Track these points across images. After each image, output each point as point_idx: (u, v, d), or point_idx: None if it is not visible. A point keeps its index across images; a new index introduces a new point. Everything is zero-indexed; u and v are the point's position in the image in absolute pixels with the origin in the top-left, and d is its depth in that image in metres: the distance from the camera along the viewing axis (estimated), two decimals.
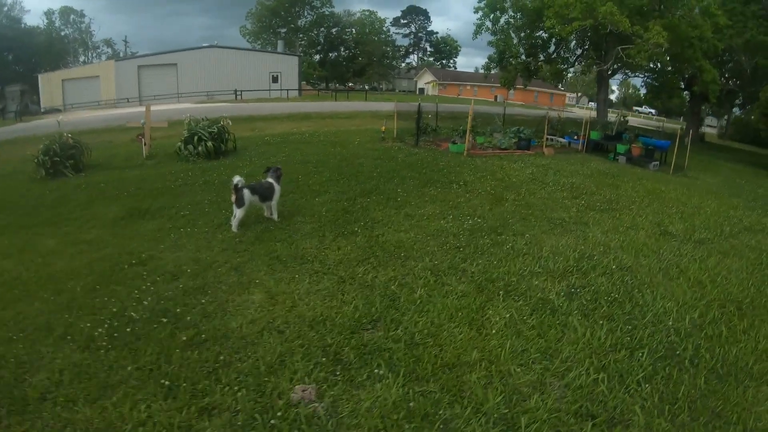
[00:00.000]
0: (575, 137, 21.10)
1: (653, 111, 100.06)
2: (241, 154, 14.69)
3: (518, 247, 7.18)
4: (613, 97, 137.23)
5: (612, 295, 5.81)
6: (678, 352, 4.69)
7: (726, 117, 63.38)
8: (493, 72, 29.28)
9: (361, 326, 4.87)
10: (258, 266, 6.29)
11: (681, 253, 7.70)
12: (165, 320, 4.97)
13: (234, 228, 7.70)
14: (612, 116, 25.97)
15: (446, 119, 25.77)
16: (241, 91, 45.83)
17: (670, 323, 5.21)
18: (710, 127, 75.78)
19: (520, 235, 7.75)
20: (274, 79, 53.61)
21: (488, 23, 23.20)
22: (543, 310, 5.31)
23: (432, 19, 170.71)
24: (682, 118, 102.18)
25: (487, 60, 27.38)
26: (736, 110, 54.10)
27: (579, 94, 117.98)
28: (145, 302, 5.36)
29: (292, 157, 13.66)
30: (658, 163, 18.12)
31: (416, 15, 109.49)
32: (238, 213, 7.71)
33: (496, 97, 79.56)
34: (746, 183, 18.01)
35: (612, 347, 4.68)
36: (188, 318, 5.01)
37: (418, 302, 5.36)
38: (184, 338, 4.62)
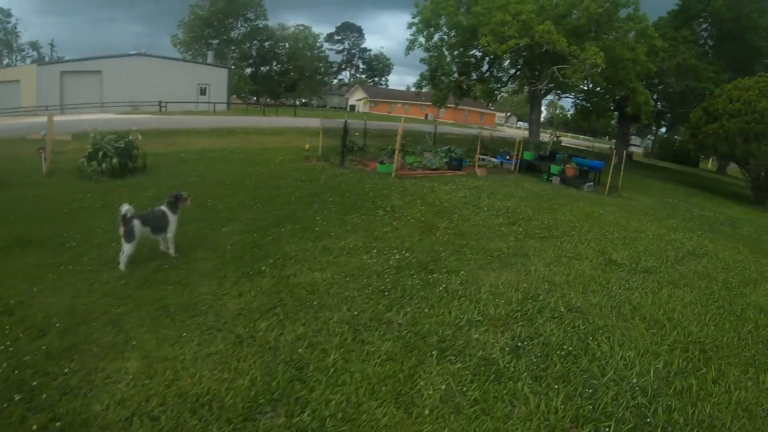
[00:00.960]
0: (507, 157, 20.67)
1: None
2: (152, 172, 13.26)
3: (453, 288, 6.24)
4: (541, 117, 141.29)
5: (565, 347, 5.01)
6: (648, 419, 4.00)
7: (651, 137, 65.43)
8: (424, 90, 28.58)
9: (258, 408, 3.77)
10: (141, 319, 5.02)
11: (631, 285, 7.20)
12: (18, 397, 3.75)
13: (122, 266, 6.35)
14: (544, 136, 25.79)
15: (376, 137, 24.98)
16: (166, 102, 43.76)
17: (635, 380, 4.52)
18: (634, 146, 78.57)
19: (455, 273, 6.81)
20: (203, 92, 51.74)
21: (421, 39, 22.55)
22: (486, 375, 4.39)
23: (366, 36, 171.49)
24: (607, 137, 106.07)
25: (418, 77, 26.63)
26: (660, 130, 56.06)
27: (508, 114, 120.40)
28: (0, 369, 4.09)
29: (206, 177, 12.38)
30: (592, 183, 17.85)
31: (350, 31, 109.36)
32: (126, 248, 6.33)
33: (426, 116, 79.85)
34: (679, 202, 18.18)
35: (573, 421, 3.88)
36: (44, 395, 3.78)
37: (332, 371, 4.29)
38: (35, 427, 3.45)
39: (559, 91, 29.22)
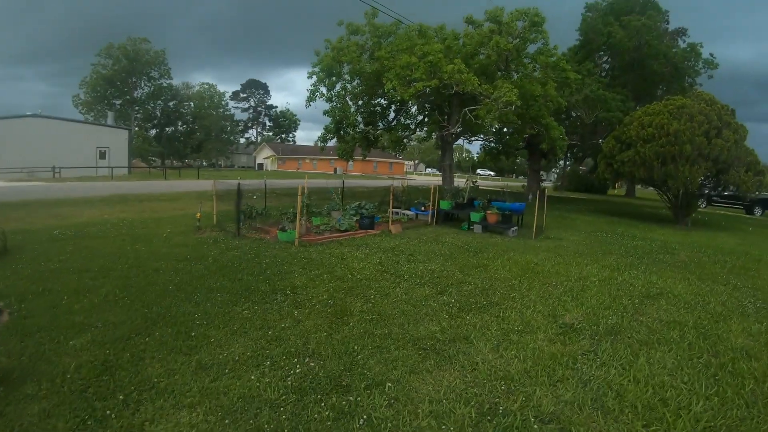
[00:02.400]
0: (423, 208, 19.41)
1: (491, 172, 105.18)
2: (11, 256, 10.86)
3: (379, 417, 4.47)
4: (453, 162, 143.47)
5: None
6: None
7: (555, 170, 67.19)
8: (330, 144, 27.14)
9: None
10: None
11: (602, 360, 5.96)
12: None
13: None
14: (459, 181, 24.80)
15: (282, 197, 23.27)
16: (60, 168, 40.50)
17: None
18: (542, 182, 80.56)
19: (378, 387, 5.02)
20: (102, 155, 48.76)
21: (323, 89, 21.10)
22: None
23: (272, 93, 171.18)
24: (514, 175, 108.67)
25: (323, 131, 25.07)
26: (568, 163, 57.56)
27: (417, 162, 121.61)
28: None
29: (72, 262, 10.15)
30: (516, 228, 16.79)
31: (255, 89, 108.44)
32: None
33: (335, 170, 79.48)
34: (607, 235, 17.75)
35: None
36: None
37: None
38: None
39: (468, 134, 28.47)
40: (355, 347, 6.03)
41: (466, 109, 19.52)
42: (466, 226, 17.14)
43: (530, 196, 30.50)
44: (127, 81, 78.16)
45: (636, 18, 35.73)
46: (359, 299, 7.99)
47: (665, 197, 24.10)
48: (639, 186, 52.76)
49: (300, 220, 12.18)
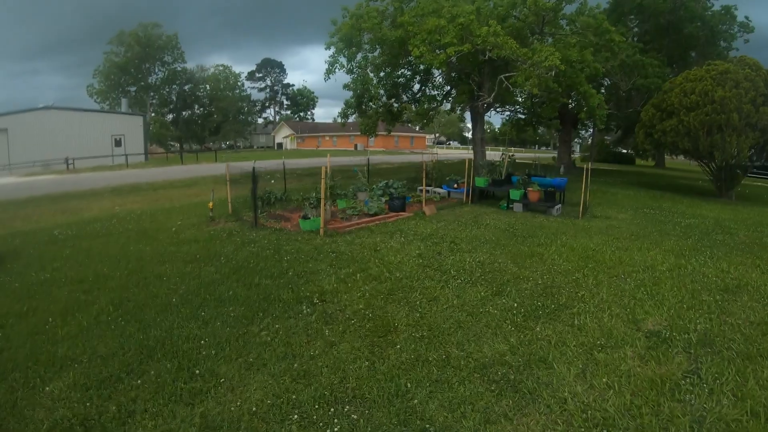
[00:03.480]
0: (455, 185, 17.83)
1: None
2: (3, 265, 9.57)
3: None
4: (468, 134, 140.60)
5: None
6: None
7: (578, 140, 64.89)
8: (351, 119, 25.40)
9: None
10: None
11: (708, 386, 4.61)
12: None
13: None
14: (491, 154, 23.15)
15: (303, 177, 21.88)
16: (74, 159, 39.42)
17: None
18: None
19: None
20: (117, 143, 47.56)
21: (342, 60, 19.35)
22: None
23: (288, 72, 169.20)
24: (536, 146, 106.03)
25: (343, 107, 23.31)
26: (593, 133, 55.52)
27: (437, 135, 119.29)
28: None
29: (67, 269, 8.80)
30: (560, 205, 15.22)
31: (271, 68, 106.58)
32: None
33: (356, 146, 77.85)
34: (655, 212, 16.08)
35: None
36: None
37: None
38: None
39: (497, 105, 26.63)
40: (407, 384, 4.55)
41: (502, 76, 17.62)
42: (505, 204, 15.57)
43: (562, 169, 28.76)
44: (140, 67, 76.83)
45: None
46: (402, 307, 6.50)
47: (707, 169, 22.51)
48: (673, 157, 50.66)
49: (323, 206, 10.67)
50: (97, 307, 6.69)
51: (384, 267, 8.24)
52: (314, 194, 12.26)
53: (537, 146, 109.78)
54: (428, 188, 16.44)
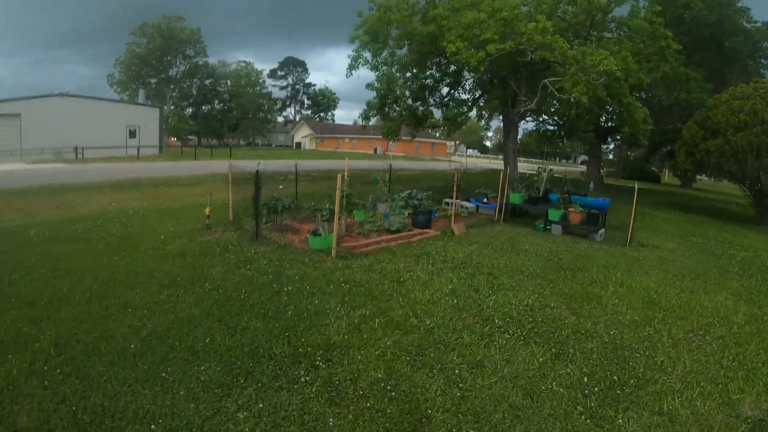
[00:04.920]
0: (485, 200, 16.04)
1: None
2: None
3: None
4: (489, 143, 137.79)
5: None
6: None
7: (611, 155, 62.83)
8: (372, 122, 23.55)
9: None
10: None
11: None
12: None
13: None
14: (524, 166, 21.33)
15: (319, 180, 20.21)
16: (83, 148, 38.20)
17: None
18: (583, 165, 75.90)
19: None
20: (132, 134, 46.45)
21: (367, 55, 17.59)
22: None
23: (311, 72, 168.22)
24: (557, 159, 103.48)
25: (365, 107, 21.42)
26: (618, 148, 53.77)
27: (458, 142, 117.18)
28: None
29: (22, 284, 7.09)
30: (603, 230, 13.40)
31: (294, 66, 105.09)
32: None
33: (375, 150, 76.15)
34: (703, 241, 14.54)
35: None
36: None
37: None
38: None
39: (530, 113, 24.76)
40: None
41: (547, 80, 15.73)
42: (542, 225, 13.80)
43: (591, 185, 26.92)
44: (162, 59, 76.13)
45: None
46: (436, 377, 4.74)
47: (748, 193, 21.18)
48: (699, 177, 48.58)
49: (337, 220, 8.92)
50: (37, 347, 5.04)
51: (410, 308, 6.47)
52: (327, 205, 10.44)
53: (558, 159, 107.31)
54: (457, 201, 14.68)
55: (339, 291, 7.00)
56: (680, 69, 23.21)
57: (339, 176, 8.73)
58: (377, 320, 5.99)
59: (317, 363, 4.87)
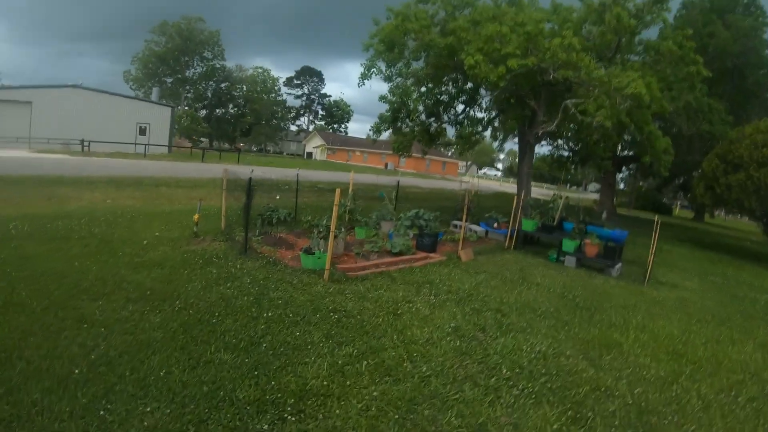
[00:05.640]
0: (495, 225, 15.20)
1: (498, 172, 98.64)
2: None
3: None
4: (500, 165, 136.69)
5: None
6: None
7: (631, 186, 62.04)
8: (383, 136, 22.68)
9: None
10: None
11: None
12: None
13: None
14: (535, 191, 20.45)
15: (326, 192, 19.44)
16: (89, 142, 37.69)
17: None
18: (593, 193, 74.81)
19: None
20: (142, 131, 45.88)
21: (381, 65, 16.79)
22: None
23: (327, 83, 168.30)
24: (568, 185, 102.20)
25: (377, 120, 20.49)
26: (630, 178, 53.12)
27: (469, 162, 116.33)
28: None
29: None
30: (620, 265, 12.56)
31: (310, 76, 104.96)
32: None
33: (386, 165, 75.58)
34: (722, 280, 13.91)
35: None
36: None
37: None
38: None
39: (547, 137, 23.90)
40: None
41: (569, 102, 14.89)
42: (555, 256, 12.95)
43: (604, 214, 26.02)
44: (179, 59, 76.06)
45: (742, 18, 30.66)
46: None
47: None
48: (717, 212, 47.58)
49: (332, 241, 8.07)
50: None
51: (405, 349, 5.61)
52: (325, 220, 9.60)
53: (568, 185, 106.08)
54: (464, 224, 13.85)
55: (326, 322, 6.15)
56: (704, 99, 22.35)
57: (337, 191, 7.86)
58: (365, 362, 5.13)
59: (286, 415, 4.02)
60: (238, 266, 8.20)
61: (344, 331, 5.92)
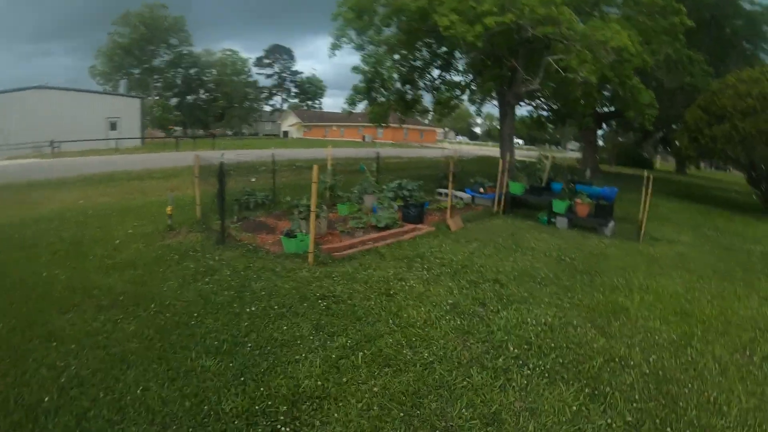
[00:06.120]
0: (480, 190, 14.79)
1: (520, 141, 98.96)
2: None
3: None
4: (478, 130, 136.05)
5: None
6: None
7: (611, 142, 61.76)
8: (359, 108, 21.97)
9: None
10: None
11: None
12: None
13: None
14: (518, 152, 20.02)
15: (304, 171, 18.88)
16: (59, 142, 36.56)
17: None
18: (572, 151, 74.59)
19: None
20: (112, 126, 44.81)
21: (351, 33, 16.10)
22: None
23: (297, 60, 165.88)
24: (548, 145, 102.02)
25: (351, 92, 19.76)
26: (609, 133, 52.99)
27: (446, 129, 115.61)
28: None
29: None
30: (613, 223, 12.21)
31: (280, 54, 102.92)
32: None
33: (364, 137, 74.83)
34: (716, 234, 13.47)
35: None
36: None
37: None
38: None
39: (527, 97, 23.36)
40: None
41: (550, 58, 14.30)
42: (546, 218, 12.58)
43: (588, 172, 25.71)
44: (145, 49, 74.05)
45: None
46: None
47: (753, 180, 20.39)
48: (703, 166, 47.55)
49: (313, 220, 7.59)
50: None
51: (402, 333, 5.19)
52: (305, 199, 9.08)
53: (548, 145, 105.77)
54: (451, 192, 13.43)
55: (314, 311, 5.70)
56: (684, 51, 21.94)
57: (315, 167, 7.34)
58: (361, 354, 4.70)
59: (279, 426, 3.60)
60: (217, 258, 7.71)
61: (335, 319, 5.49)
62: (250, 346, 4.79)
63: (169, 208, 9.68)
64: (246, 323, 5.30)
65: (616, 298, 6.89)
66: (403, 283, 6.80)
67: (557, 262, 8.62)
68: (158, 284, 6.50)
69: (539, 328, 5.57)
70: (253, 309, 5.67)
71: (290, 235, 8.05)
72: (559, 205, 12.39)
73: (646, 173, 12.46)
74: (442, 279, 7.12)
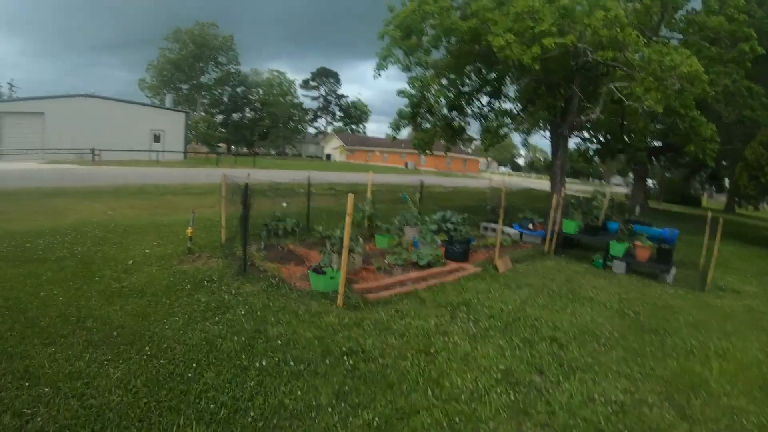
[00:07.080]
0: (530, 226, 13.72)
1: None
2: None
3: None
4: (521, 161, 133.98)
5: None
6: None
7: (660, 178, 59.92)
8: (403, 134, 21.15)
9: None
10: None
11: None
12: None
13: None
14: (572, 186, 18.83)
15: (343, 196, 18.14)
16: (101, 150, 36.81)
17: None
18: (617, 186, 72.43)
19: None
20: (156, 138, 45.07)
21: (398, 53, 15.24)
22: None
23: (343, 84, 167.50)
24: (590, 179, 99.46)
25: (395, 117, 18.82)
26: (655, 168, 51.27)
27: (489, 159, 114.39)
28: None
29: None
30: (674, 270, 11.02)
31: (326, 77, 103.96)
32: None
33: (407, 164, 74.34)
34: None
35: None
36: None
37: None
38: None
39: (575, 128, 22.18)
40: None
41: (612, 85, 13.23)
42: (601, 261, 11.42)
43: (637, 209, 24.33)
44: (194, 66, 75.38)
45: None
46: None
47: None
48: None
49: (346, 256, 6.65)
50: None
51: (443, 411, 4.12)
52: (339, 230, 8.14)
53: (591, 179, 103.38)
54: (496, 226, 12.35)
55: (337, 371, 4.71)
56: (743, 82, 20.59)
57: (350, 196, 6.42)
58: None
59: None
60: (233, 291, 6.81)
61: (362, 384, 4.49)
62: (252, 416, 3.83)
63: (189, 230, 8.87)
64: (253, 382, 4.34)
65: (693, 366, 5.77)
66: (446, 339, 5.77)
67: (620, 317, 7.50)
68: (161, 319, 5.62)
69: (609, 408, 4.50)
70: (263, 363, 4.71)
71: (319, 271, 7.11)
72: (617, 248, 11.23)
73: (716, 216, 11.27)
74: (491, 334, 6.08)
